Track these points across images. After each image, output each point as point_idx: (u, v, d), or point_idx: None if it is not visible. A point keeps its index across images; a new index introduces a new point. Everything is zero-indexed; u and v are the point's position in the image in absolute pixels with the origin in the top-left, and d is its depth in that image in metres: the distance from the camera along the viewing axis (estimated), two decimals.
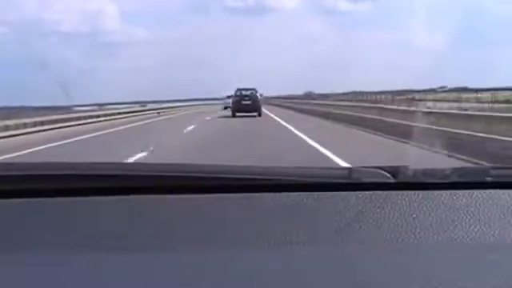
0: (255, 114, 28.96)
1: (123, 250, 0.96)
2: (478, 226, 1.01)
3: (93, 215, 1.10)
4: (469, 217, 1.03)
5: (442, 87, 52.20)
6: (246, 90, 31.93)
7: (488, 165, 1.87)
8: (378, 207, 1.07)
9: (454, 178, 1.18)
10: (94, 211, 1.11)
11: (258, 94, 31.49)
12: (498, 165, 1.41)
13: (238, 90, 32.14)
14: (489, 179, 1.18)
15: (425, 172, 1.20)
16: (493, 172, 1.20)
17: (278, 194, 1.14)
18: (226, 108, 42.67)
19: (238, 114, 29.33)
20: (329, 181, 1.21)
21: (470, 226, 1.01)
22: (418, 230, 1.00)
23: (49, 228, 1.06)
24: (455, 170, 1.20)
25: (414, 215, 1.05)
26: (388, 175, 1.17)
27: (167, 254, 0.94)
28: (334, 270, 0.90)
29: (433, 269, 0.88)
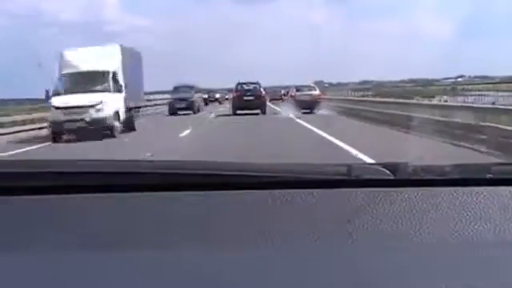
0: (258, 111, 25.69)
1: (124, 248, 0.95)
2: (478, 223, 1.00)
3: (93, 213, 1.09)
4: (469, 214, 1.03)
5: (460, 76, 51.24)
6: (248, 84, 28.17)
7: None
8: (378, 204, 1.07)
9: (455, 175, 1.17)
10: (94, 209, 1.11)
11: (261, 89, 27.93)
12: (499, 161, 1.32)
13: (239, 84, 28.32)
14: (489, 176, 1.16)
15: (425, 169, 1.19)
16: (493, 169, 1.18)
17: (277, 191, 1.13)
18: (172, 113, 30.26)
19: (239, 111, 26.07)
20: (328, 177, 1.20)
21: (470, 223, 1.00)
22: (418, 227, 1.00)
23: (49, 226, 1.05)
24: (455, 166, 1.18)
25: (414, 212, 1.04)
26: (388, 172, 1.16)
27: (168, 252, 0.93)
28: (333, 267, 0.89)
29: (433, 266, 0.87)
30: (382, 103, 22.82)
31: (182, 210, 1.11)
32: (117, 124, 16.21)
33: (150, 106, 36.38)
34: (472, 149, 10.88)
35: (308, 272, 0.86)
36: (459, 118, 12.92)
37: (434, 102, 22.52)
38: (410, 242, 0.96)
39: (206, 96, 41.84)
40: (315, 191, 1.12)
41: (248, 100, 26.69)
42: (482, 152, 10.41)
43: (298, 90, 29.66)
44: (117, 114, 16.32)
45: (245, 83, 28.23)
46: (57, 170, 1.24)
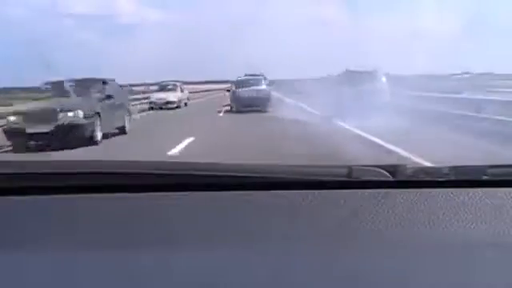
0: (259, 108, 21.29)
1: (124, 248, 0.96)
2: (474, 224, 1.02)
3: (96, 213, 1.10)
4: (466, 214, 1.04)
5: (466, 73, 50.83)
6: (254, 75, 25.01)
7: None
8: (377, 205, 1.08)
9: (452, 177, 1.19)
10: (97, 209, 1.12)
11: (263, 85, 24.42)
12: (495, 163, 1.29)
13: (246, 75, 25.16)
14: (485, 178, 1.19)
15: (423, 170, 1.22)
16: (489, 170, 1.20)
17: (277, 192, 1.15)
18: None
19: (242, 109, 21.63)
20: (329, 179, 1.21)
21: (466, 224, 1.02)
22: (416, 228, 1.02)
23: (49, 226, 1.06)
24: (453, 168, 1.21)
25: (413, 213, 1.06)
26: (387, 174, 1.18)
27: (168, 252, 0.94)
28: (333, 267, 0.90)
29: (431, 266, 0.88)
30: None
31: (183, 210, 1.12)
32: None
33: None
34: None
35: (309, 272, 0.87)
36: None
37: None
38: (409, 243, 0.98)
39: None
40: (316, 192, 1.14)
41: (249, 97, 22.86)
42: None
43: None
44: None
45: (251, 75, 25.34)
46: (57, 171, 1.26)
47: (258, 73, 26.20)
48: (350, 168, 1.20)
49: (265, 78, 25.62)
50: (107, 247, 0.97)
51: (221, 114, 21.32)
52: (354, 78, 16.62)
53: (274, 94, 27.44)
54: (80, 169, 1.26)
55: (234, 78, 25.24)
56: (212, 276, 0.87)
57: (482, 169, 1.22)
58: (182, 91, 29.48)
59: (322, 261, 0.91)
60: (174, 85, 29.47)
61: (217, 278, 0.86)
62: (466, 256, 0.94)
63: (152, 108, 26.63)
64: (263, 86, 23.42)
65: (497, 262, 0.91)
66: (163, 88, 29.32)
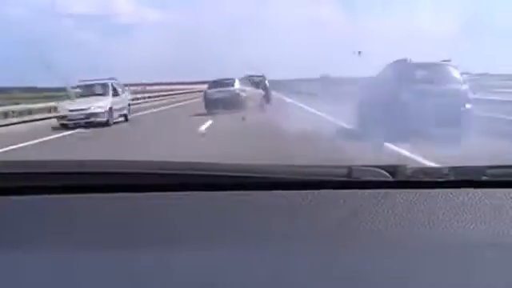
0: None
1: (123, 248, 0.96)
2: (474, 224, 1.02)
3: (96, 213, 1.11)
4: (465, 215, 1.05)
5: (465, 73, 50.65)
6: (255, 77, 23.62)
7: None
8: (377, 205, 1.08)
9: (452, 177, 1.19)
10: (96, 209, 1.12)
11: (266, 82, 23.58)
12: (494, 164, 1.28)
13: (247, 75, 23.18)
14: (485, 178, 1.19)
15: (423, 171, 1.22)
16: (489, 171, 1.21)
17: (277, 192, 1.15)
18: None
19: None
20: (329, 179, 1.21)
21: (466, 224, 1.02)
22: (416, 228, 1.02)
23: (48, 226, 1.06)
24: (452, 168, 1.21)
25: (413, 213, 1.06)
26: (387, 174, 1.19)
27: (168, 252, 0.94)
28: (333, 267, 0.90)
29: (431, 266, 0.89)
30: None
31: (183, 210, 1.12)
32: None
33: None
34: None
35: (309, 272, 0.88)
36: None
37: None
38: (409, 243, 0.98)
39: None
40: (315, 192, 1.14)
41: (221, 98, 21.03)
42: None
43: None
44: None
45: (252, 76, 24.67)
46: (56, 170, 1.26)
47: (258, 73, 25.61)
48: (349, 168, 1.20)
49: (265, 79, 25.28)
50: (106, 247, 0.97)
51: (202, 128, 13.59)
52: (411, 73, 10.44)
53: (275, 94, 26.30)
54: (79, 169, 1.27)
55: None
56: (212, 276, 0.87)
57: (481, 169, 1.22)
58: (116, 95, 17.98)
59: (322, 261, 0.92)
60: (105, 85, 18.05)
61: (217, 278, 0.86)
62: (465, 256, 0.95)
63: (66, 126, 16.12)
64: (236, 87, 21.62)
65: (496, 262, 0.91)
66: (85, 92, 18.01)
